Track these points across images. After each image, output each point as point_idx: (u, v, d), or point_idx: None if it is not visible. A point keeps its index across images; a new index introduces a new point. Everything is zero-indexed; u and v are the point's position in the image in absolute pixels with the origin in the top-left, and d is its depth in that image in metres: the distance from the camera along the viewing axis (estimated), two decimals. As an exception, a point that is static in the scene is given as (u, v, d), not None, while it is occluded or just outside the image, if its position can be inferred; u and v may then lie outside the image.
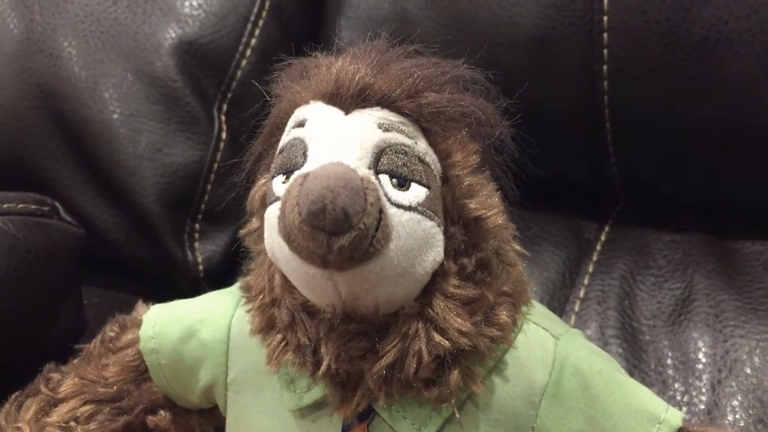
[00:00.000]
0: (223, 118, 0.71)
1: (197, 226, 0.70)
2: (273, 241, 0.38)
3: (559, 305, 0.63)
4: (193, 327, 0.46)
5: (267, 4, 0.72)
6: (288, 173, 0.38)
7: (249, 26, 0.72)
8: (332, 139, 0.38)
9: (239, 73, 0.71)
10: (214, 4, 0.71)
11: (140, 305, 0.50)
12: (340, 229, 0.35)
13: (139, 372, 0.48)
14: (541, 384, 0.41)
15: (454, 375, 0.39)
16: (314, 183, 0.35)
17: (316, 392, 0.41)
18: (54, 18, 0.70)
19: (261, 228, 0.42)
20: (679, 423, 0.41)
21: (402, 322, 0.39)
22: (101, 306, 0.68)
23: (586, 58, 0.63)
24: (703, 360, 0.57)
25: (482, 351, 0.40)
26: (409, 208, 0.37)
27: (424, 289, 0.39)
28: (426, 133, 0.40)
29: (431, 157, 0.40)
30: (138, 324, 0.48)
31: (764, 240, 0.64)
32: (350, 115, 0.39)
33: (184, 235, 0.69)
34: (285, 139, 0.40)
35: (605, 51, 0.62)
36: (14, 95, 0.69)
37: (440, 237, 0.39)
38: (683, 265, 0.63)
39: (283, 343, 0.41)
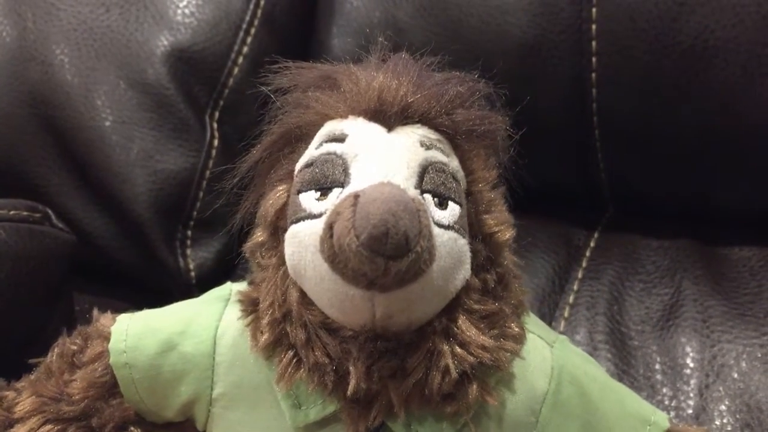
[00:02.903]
0: (215, 125, 0.71)
1: (189, 233, 0.70)
2: (302, 259, 0.37)
3: (549, 311, 0.63)
4: (172, 340, 0.44)
5: (259, 12, 0.73)
6: (323, 190, 0.38)
7: (241, 34, 0.72)
8: (379, 157, 0.37)
9: (231, 80, 0.71)
10: (206, 12, 0.71)
11: (103, 315, 0.47)
12: (400, 253, 0.34)
13: (108, 388, 0.45)
14: (541, 392, 0.42)
15: (473, 389, 0.39)
16: (374, 206, 0.34)
17: (326, 408, 0.40)
18: (46, 26, 0.70)
19: (270, 241, 0.41)
20: (666, 424, 0.43)
21: (428, 339, 0.38)
22: (92, 313, 0.68)
23: (575, 65, 0.64)
24: (691, 365, 0.58)
25: (501, 365, 0.40)
26: (448, 228, 0.38)
27: (448, 304, 0.39)
28: (456, 149, 0.40)
29: (460, 174, 0.40)
30: (104, 336, 0.45)
31: (751, 246, 0.64)
32: (393, 133, 0.39)
33: (176, 242, 0.69)
34: (314, 152, 0.39)
35: (594, 59, 0.63)
36: (6, 103, 0.69)
37: (469, 254, 0.39)
38: (671, 271, 0.63)
39: (295, 361, 0.40)
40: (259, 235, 0.42)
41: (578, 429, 0.42)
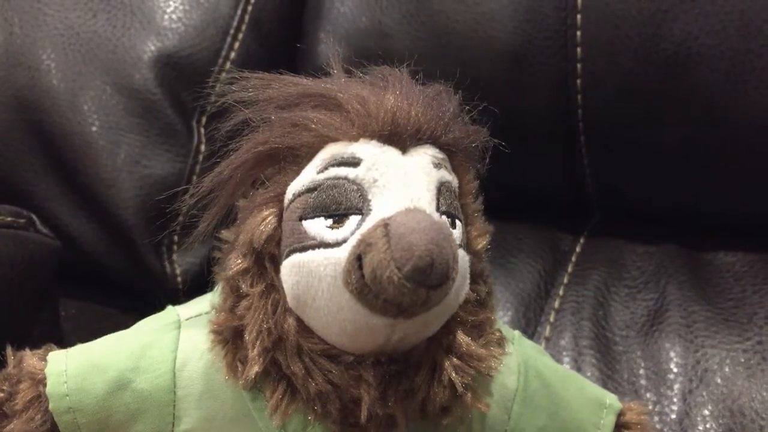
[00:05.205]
0: (202, 130, 0.71)
1: (176, 238, 0.70)
2: (311, 289, 0.36)
3: (534, 316, 0.64)
4: (124, 377, 0.40)
5: (247, 17, 0.73)
6: (336, 217, 0.36)
7: (228, 39, 0.72)
8: (401, 182, 0.36)
9: (218, 86, 0.71)
10: (193, 18, 0.71)
11: (27, 355, 0.43)
12: (443, 281, 0.34)
13: None
14: (512, 389, 0.42)
15: (468, 398, 0.39)
16: (415, 236, 0.33)
17: None
18: (33, 31, 0.70)
19: (255, 268, 0.39)
20: (619, 405, 0.45)
21: (431, 355, 0.38)
22: (79, 318, 0.68)
23: (560, 72, 0.64)
24: (675, 370, 0.58)
25: (492, 372, 0.40)
26: (459, 246, 0.37)
27: None
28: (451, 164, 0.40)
29: (457, 190, 0.40)
30: (37, 380, 0.41)
31: (735, 251, 0.65)
32: (408, 155, 0.38)
33: (163, 248, 0.69)
34: (317, 177, 0.37)
35: (579, 65, 0.63)
36: (-7, 108, 0.69)
37: (469, 268, 0.39)
38: (656, 277, 0.64)
39: (289, 392, 0.38)
40: (240, 263, 0.39)
41: (545, 419, 0.43)
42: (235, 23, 0.72)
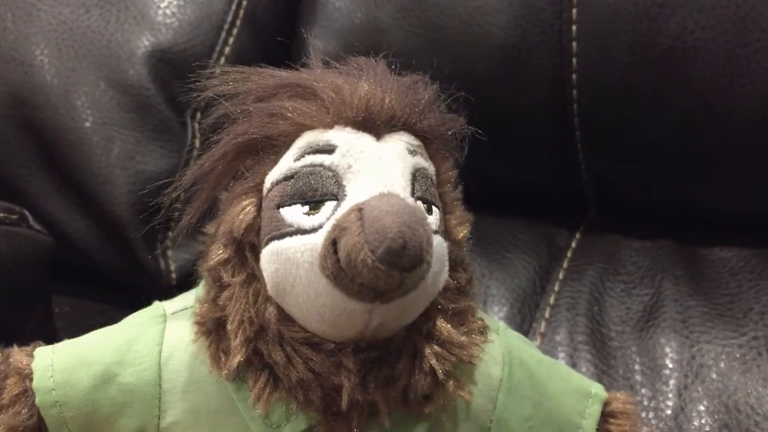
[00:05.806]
0: (196, 126, 0.71)
1: (170, 234, 0.69)
2: (289, 276, 0.36)
3: (529, 311, 0.64)
4: (110, 371, 0.41)
5: (241, 13, 0.73)
6: (312, 203, 0.37)
7: (223, 35, 0.72)
8: (375, 167, 0.37)
9: (202, 81, 0.71)
10: (187, 13, 0.71)
11: (14, 350, 0.43)
12: (416, 264, 0.34)
13: (34, 430, 0.41)
14: (497, 379, 0.42)
15: (450, 386, 0.39)
16: (389, 219, 0.33)
17: (300, 423, 0.39)
18: (26, 26, 0.70)
19: (236, 258, 0.39)
20: (604, 394, 0.45)
21: (411, 342, 0.38)
22: (73, 315, 0.68)
23: (555, 66, 0.64)
24: (670, 365, 0.58)
25: (474, 360, 0.40)
26: (435, 232, 0.38)
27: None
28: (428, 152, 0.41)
29: (434, 177, 0.40)
30: (23, 374, 0.42)
31: (731, 246, 0.65)
32: (382, 141, 0.38)
33: (157, 244, 0.69)
34: (294, 165, 0.38)
35: (574, 60, 0.63)
36: (-15, 104, 0.69)
37: (447, 255, 0.39)
38: (652, 272, 0.64)
39: (271, 381, 0.38)
40: (221, 253, 0.40)
41: (530, 409, 0.43)
42: (229, 18, 0.72)
